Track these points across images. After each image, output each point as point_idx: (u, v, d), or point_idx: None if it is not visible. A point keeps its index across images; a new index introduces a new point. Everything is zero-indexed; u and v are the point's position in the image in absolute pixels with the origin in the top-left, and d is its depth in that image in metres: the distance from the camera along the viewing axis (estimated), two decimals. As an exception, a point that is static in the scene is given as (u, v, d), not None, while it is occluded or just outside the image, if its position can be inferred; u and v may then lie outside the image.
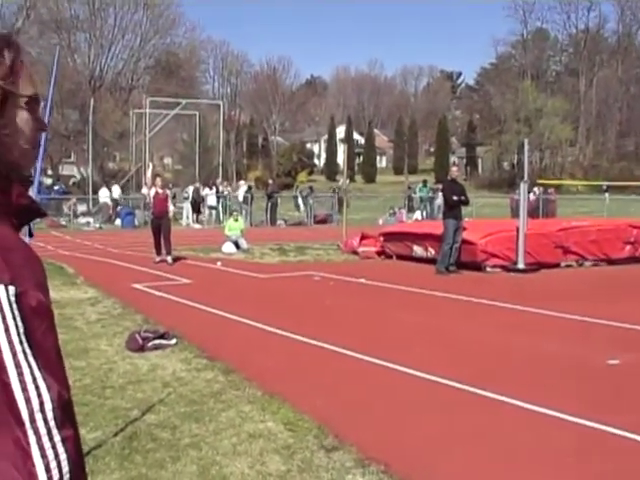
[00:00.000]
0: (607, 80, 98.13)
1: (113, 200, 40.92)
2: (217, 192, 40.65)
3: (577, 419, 6.85)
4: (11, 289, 1.40)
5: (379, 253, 21.96)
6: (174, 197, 20.22)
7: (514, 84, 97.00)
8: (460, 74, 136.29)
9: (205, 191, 40.60)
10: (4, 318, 1.37)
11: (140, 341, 9.78)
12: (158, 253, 20.00)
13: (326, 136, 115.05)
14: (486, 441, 6.42)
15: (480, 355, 9.69)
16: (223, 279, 17.66)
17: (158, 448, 6.13)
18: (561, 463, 5.90)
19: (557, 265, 19.35)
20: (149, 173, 20.68)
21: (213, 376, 8.35)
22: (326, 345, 10.04)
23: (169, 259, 19.73)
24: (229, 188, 43.27)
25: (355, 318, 12.46)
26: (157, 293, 14.92)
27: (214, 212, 40.20)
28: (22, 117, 1.56)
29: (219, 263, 20.11)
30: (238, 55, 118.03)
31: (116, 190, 42.57)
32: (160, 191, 19.98)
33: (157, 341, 9.87)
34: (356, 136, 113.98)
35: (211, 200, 40.19)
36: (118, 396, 7.65)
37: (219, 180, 44.08)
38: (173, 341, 10.02)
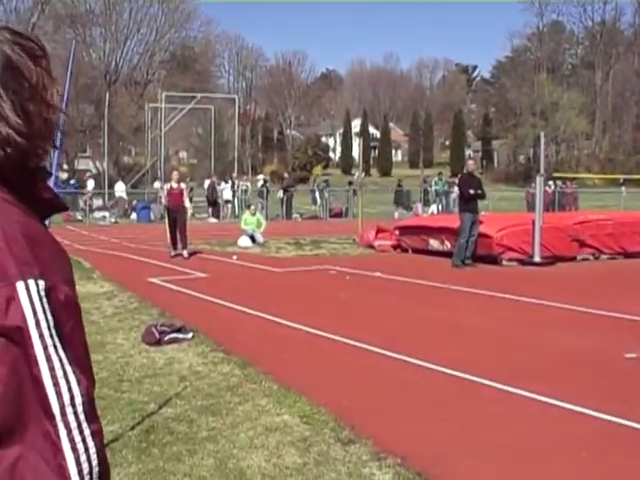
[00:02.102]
0: (623, 73, 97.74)
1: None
2: (232, 186, 40.68)
3: (595, 412, 6.83)
4: (41, 283, 1.39)
5: (395, 247, 21.95)
6: (191, 190, 20.12)
7: (530, 77, 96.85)
8: (476, 67, 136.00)
9: (221, 185, 40.65)
10: (35, 312, 1.37)
11: (157, 335, 9.80)
12: (174, 247, 20.06)
13: (341, 130, 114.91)
14: (503, 435, 6.41)
15: (496, 348, 9.66)
16: (239, 273, 17.67)
17: (175, 441, 6.15)
18: (579, 457, 5.88)
19: (573, 258, 19.30)
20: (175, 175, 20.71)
21: (229, 370, 8.36)
22: (342, 339, 10.03)
23: (185, 253, 19.78)
24: (248, 183, 43.26)
25: (372, 312, 12.45)
26: (173, 287, 14.95)
27: (230, 206, 40.23)
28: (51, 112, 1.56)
29: (235, 257, 20.14)
30: (253, 49, 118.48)
31: (120, 187, 42.59)
32: (175, 186, 20.01)
33: (173, 335, 9.89)
34: (371, 130, 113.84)
35: (227, 194, 40.22)
36: (135, 390, 7.67)
37: (235, 174, 44.09)
38: (189, 335, 10.04)
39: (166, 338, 9.79)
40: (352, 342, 9.83)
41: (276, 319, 11.44)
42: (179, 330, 10.06)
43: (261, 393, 7.43)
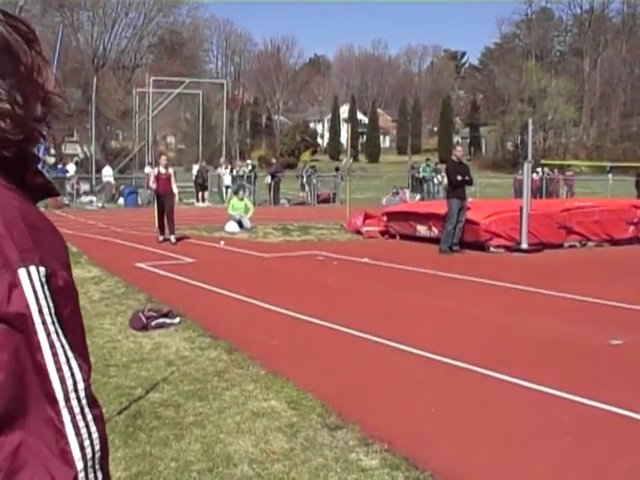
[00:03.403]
0: (611, 60, 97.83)
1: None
2: (231, 171, 40.64)
3: (579, 398, 6.87)
4: (42, 270, 1.39)
5: (382, 233, 21.97)
6: (174, 173, 20.04)
7: (518, 64, 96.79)
8: (464, 54, 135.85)
9: (221, 171, 40.59)
10: (37, 299, 1.37)
11: (144, 320, 9.80)
12: (162, 232, 20.02)
13: (329, 116, 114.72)
14: (489, 420, 6.44)
15: (483, 334, 9.70)
16: (226, 258, 17.66)
17: (162, 426, 6.16)
18: (563, 441, 5.91)
19: (560, 245, 19.36)
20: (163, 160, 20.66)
21: (217, 355, 8.37)
22: (330, 324, 10.05)
23: (172, 238, 19.74)
24: (244, 168, 43.17)
25: (359, 298, 12.47)
26: (160, 272, 14.93)
27: (229, 191, 40.12)
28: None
29: (222, 242, 20.12)
30: (241, 34, 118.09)
31: (107, 171, 42.37)
32: (163, 171, 19.97)
33: (161, 320, 9.89)
34: (360, 116, 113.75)
35: (227, 180, 40.11)
36: (122, 374, 7.67)
37: (222, 159, 43.96)
38: (177, 320, 10.04)
39: (153, 323, 9.79)
40: (339, 327, 9.85)
41: (263, 304, 11.45)
42: (166, 315, 10.06)
43: (248, 378, 7.44)
